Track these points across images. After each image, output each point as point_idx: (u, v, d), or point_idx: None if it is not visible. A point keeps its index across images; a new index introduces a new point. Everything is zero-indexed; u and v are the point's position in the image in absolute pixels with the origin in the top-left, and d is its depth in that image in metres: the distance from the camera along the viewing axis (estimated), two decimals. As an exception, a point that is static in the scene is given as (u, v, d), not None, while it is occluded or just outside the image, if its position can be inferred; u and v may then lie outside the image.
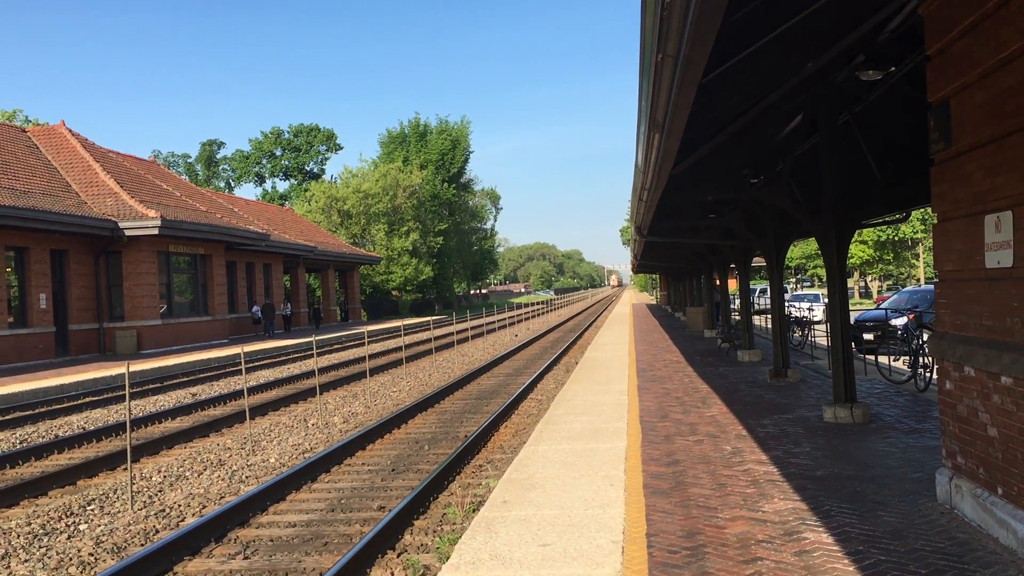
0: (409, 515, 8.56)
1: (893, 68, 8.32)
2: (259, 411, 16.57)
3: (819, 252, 12.28)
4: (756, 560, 5.54)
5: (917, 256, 70.21)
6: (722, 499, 7.06)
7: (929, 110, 6.58)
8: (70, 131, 36.69)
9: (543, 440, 10.03)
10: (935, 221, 6.67)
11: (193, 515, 9.20)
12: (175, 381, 23.05)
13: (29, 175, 31.11)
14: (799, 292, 54.77)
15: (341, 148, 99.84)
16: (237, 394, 19.20)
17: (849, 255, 60.13)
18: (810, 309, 27.41)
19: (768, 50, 6.82)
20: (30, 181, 30.49)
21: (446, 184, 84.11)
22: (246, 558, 7.65)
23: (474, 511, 8.64)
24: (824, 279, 11.55)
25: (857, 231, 53.45)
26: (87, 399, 19.66)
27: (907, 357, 14.50)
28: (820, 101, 9.98)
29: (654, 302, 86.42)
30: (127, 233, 31.23)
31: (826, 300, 11.44)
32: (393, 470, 11.06)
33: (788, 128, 11.14)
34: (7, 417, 16.94)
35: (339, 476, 10.85)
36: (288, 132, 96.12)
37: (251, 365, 27.74)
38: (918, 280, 70.39)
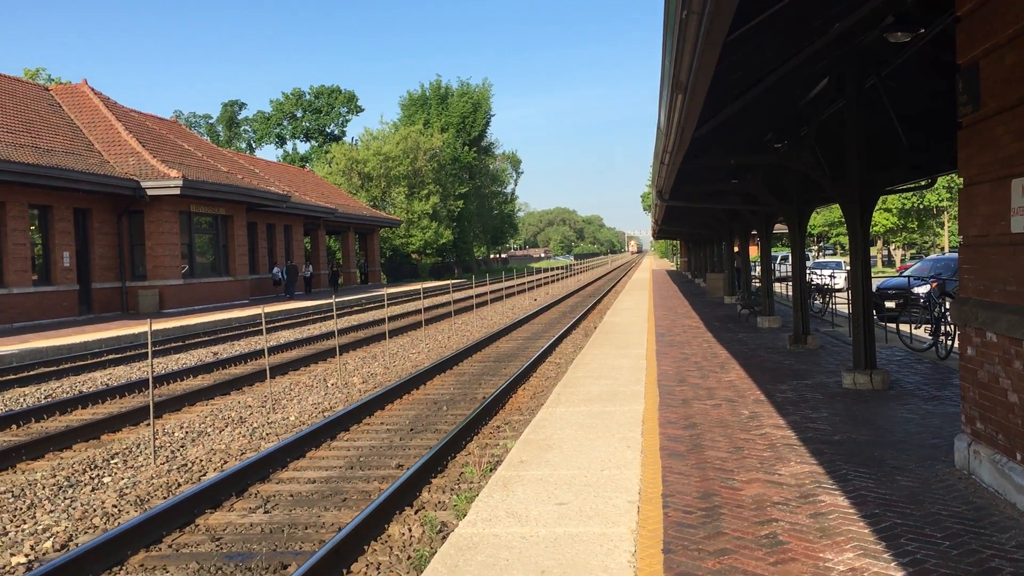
0: (427, 473, 8.64)
1: (922, 30, 8.17)
2: (279, 370, 16.71)
3: (842, 219, 12.17)
4: (771, 521, 5.56)
5: (942, 224, 69.43)
6: (738, 462, 7.07)
7: (958, 72, 6.47)
8: (92, 90, 36.76)
9: (561, 402, 10.06)
10: (961, 186, 6.58)
11: (214, 470, 9.33)
12: (197, 340, 23.27)
13: (52, 133, 31.25)
14: (821, 260, 54.40)
15: (362, 110, 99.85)
16: (258, 353, 19.37)
17: (873, 223, 59.54)
18: (832, 276, 27.24)
19: (794, 9, 6.71)
20: (53, 140, 30.63)
21: (467, 147, 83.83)
22: (266, 512, 7.76)
23: (491, 470, 8.71)
24: (847, 247, 11.47)
25: (881, 198, 52.86)
26: (110, 356, 19.90)
27: (929, 325, 14.41)
28: (846, 64, 9.82)
29: (674, 268, 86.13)
30: (149, 193, 31.38)
31: (848, 267, 11.35)
32: (411, 430, 11.15)
33: (813, 92, 10.98)
34: (32, 372, 17.19)
35: (358, 435, 10.96)
36: (309, 94, 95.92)
37: (272, 325, 27.95)
38: (942, 249, 69.68)
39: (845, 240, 70.10)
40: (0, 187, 26.48)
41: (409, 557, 6.48)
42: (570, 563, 4.87)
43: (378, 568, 6.31)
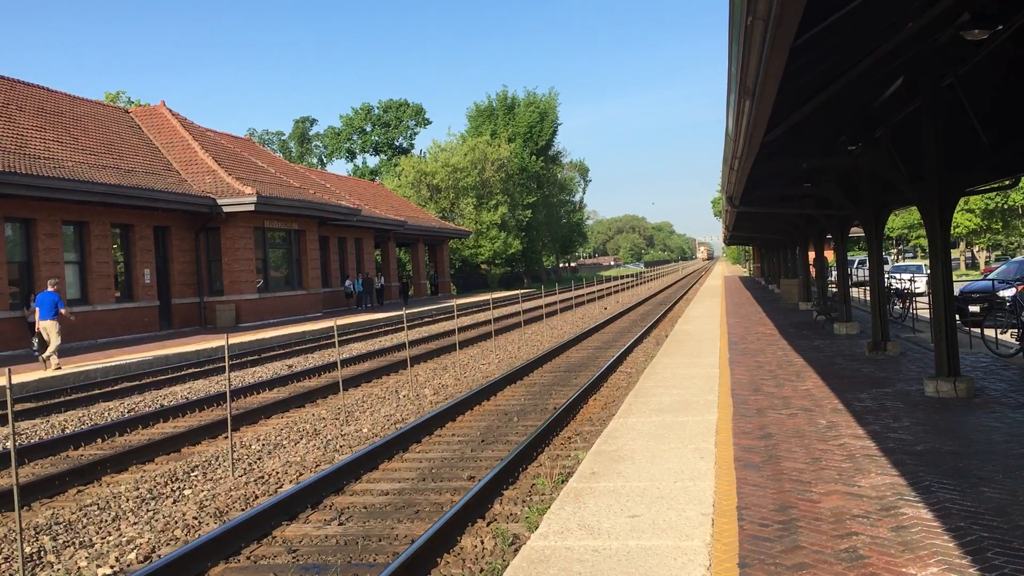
0: (498, 485, 8.64)
1: (1000, 27, 7.91)
2: (352, 382, 16.94)
3: (922, 221, 11.84)
4: (851, 535, 5.41)
5: (1027, 224, 66.98)
6: (816, 473, 6.91)
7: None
8: (170, 111, 37.92)
9: (632, 412, 9.98)
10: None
11: (290, 482, 9.48)
12: (272, 353, 23.74)
13: (132, 154, 32.31)
14: (900, 263, 53.01)
15: (430, 123, 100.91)
16: (331, 366, 19.66)
17: (954, 224, 57.77)
18: (912, 280, 26.48)
19: (864, 10, 6.56)
20: (134, 160, 31.67)
21: (534, 157, 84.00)
22: (341, 524, 7.85)
23: (563, 482, 8.67)
24: (927, 250, 11.14)
25: (962, 199, 51.28)
26: (189, 370, 20.42)
27: (1015, 330, 13.90)
28: (921, 63, 9.56)
29: (747, 274, 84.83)
30: (225, 209, 32.21)
31: (929, 271, 11.02)
32: (482, 441, 11.18)
33: (887, 92, 10.72)
34: (116, 387, 17.74)
35: (430, 446, 11.03)
36: (378, 108, 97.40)
37: (344, 338, 28.35)
38: (1028, 250, 67.23)
39: (925, 242, 68.15)
40: (84, 207, 27.46)
41: (482, 570, 6.49)
42: (643, 577, 4.81)
43: (451, 581, 6.32)
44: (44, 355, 19.60)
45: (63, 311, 19.86)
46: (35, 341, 21.27)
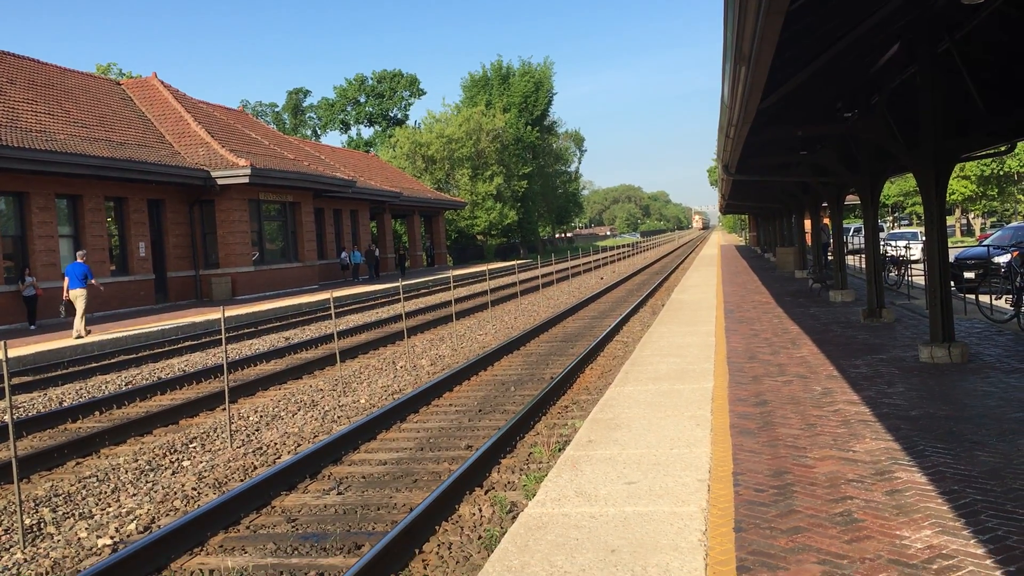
0: (496, 454, 8.69)
1: (998, -11, 7.85)
2: (349, 354, 16.96)
3: (918, 189, 11.82)
4: (845, 499, 5.45)
5: None
6: (811, 439, 6.95)
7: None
8: (162, 83, 37.63)
9: (629, 381, 10.01)
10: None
11: (288, 453, 9.52)
12: (269, 326, 23.76)
13: (125, 127, 32.09)
14: (896, 230, 53.01)
15: (424, 93, 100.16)
16: (328, 338, 19.68)
17: (950, 191, 57.71)
18: (907, 247, 26.50)
19: (862, -27, 6.51)
20: (126, 133, 31.46)
21: (529, 127, 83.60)
22: (339, 494, 7.90)
23: (560, 450, 8.72)
24: (922, 217, 11.10)
25: (959, 165, 51.12)
26: (186, 343, 20.44)
27: (1010, 295, 13.94)
28: (917, 28, 9.50)
29: (743, 243, 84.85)
30: (219, 182, 32.06)
31: (924, 238, 11.04)
32: (480, 411, 11.22)
33: (884, 58, 10.66)
34: (113, 360, 17.76)
35: (427, 416, 11.07)
36: (372, 79, 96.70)
37: (340, 310, 28.36)
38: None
39: (921, 210, 68.09)
40: (77, 181, 27.33)
41: (480, 537, 6.54)
42: (640, 542, 4.85)
43: (449, 548, 6.37)
44: (77, 322, 20.58)
45: (92, 282, 20.94)
46: (62, 310, 22.40)
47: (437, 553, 6.31)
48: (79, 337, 20.15)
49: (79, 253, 21.92)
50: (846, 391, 8.82)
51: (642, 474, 6.17)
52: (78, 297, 20.54)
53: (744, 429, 7.41)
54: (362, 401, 12.33)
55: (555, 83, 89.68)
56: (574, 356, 15.15)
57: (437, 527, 6.80)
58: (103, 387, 14.81)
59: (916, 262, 24.03)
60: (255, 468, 8.95)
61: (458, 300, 29.34)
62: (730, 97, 9.19)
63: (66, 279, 20.93)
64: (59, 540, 7.03)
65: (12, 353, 18.66)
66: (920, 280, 20.45)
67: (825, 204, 23.73)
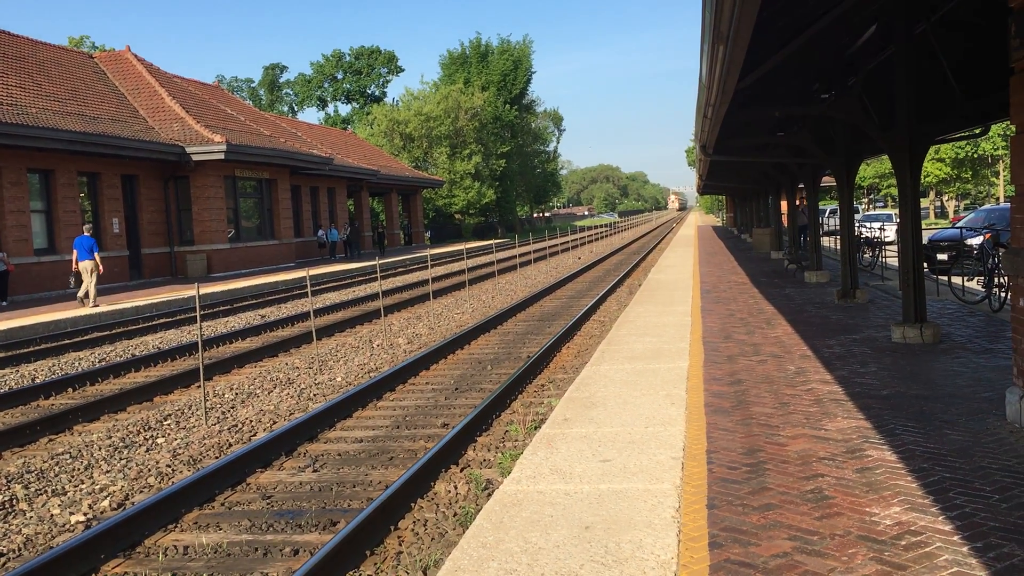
0: (472, 432, 8.71)
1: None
2: (326, 332, 16.91)
3: (892, 171, 11.90)
4: (817, 476, 5.52)
5: (997, 174, 67.57)
6: (784, 418, 7.02)
7: (1010, 15, 6.24)
8: (136, 56, 37.10)
9: (605, 360, 10.06)
10: (1013, 133, 6.38)
11: (264, 430, 9.50)
12: (245, 303, 23.62)
13: (98, 101, 31.65)
14: (871, 212, 53.39)
15: (402, 71, 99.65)
16: (304, 316, 19.61)
17: (924, 173, 58.13)
18: (881, 229, 26.71)
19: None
20: (99, 107, 31.03)
21: (508, 106, 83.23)
22: (315, 471, 7.90)
23: (536, 428, 8.75)
24: (897, 199, 11.13)
25: (934, 148, 51.54)
26: (161, 320, 20.29)
27: (981, 277, 14.11)
28: (895, 9, 9.53)
29: (720, 224, 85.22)
30: (194, 158, 31.73)
31: (898, 219, 11.13)
32: (456, 389, 11.24)
33: (861, 40, 10.69)
34: (87, 337, 17.60)
35: (404, 395, 11.07)
36: (349, 55, 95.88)
37: (317, 288, 28.25)
38: (997, 199, 67.91)
39: (895, 192, 68.64)
40: (49, 155, 26.94)
41: (455, 514, 6.56)
42: (614, 519, 4.89)
43: (425, 524, 6.40)
44: (80, 294, 21.79)
45: (97, 256, 21.73)
46: (71, 280, 23.11)
47: (412, 530, 6.33)
48: (95, 306, 21.22)
49: (86, 227, 23.22)
50: (819, 370, 8.90)
51: (617, 452, 6.20)
52: (87, 269, 21.44)
53: (718, 408, 7.47)
54: (338, 379, 12.31)
55: (534, 62, 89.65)
56: (551, 335, 15.19)
57: (413, 504, 6.81)
58: (76, 364, 14.68)
59: (890, 244, 24.26)
60: (230, 445, 8.93)
61: (435, 279, 29.30)
62: (708, 77, 9.20)
63: (75, 252, 21.78)
64: (31, 517, 6.98)
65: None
66: (894, 261, 20.64)
67: (802, 185, 23.86)
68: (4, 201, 25.34)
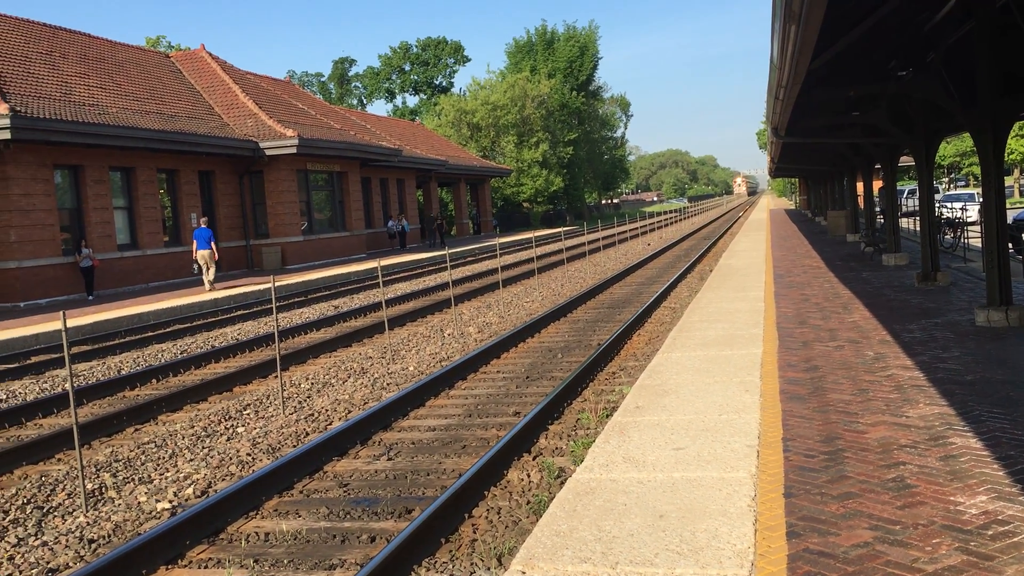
0: (543, 420, 8.73)
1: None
2: (397, 322, 17.11)
3: (975, 149, 11.52)
4: (898, 464, 5.39)
5: (1085, 150, 64.75)
6: (863, 404, 6.87)
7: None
8: (210, 55, 37.95)
9: (676, 347, 9.97)
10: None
11: (339, 419, 9.67)
12: (318, 294, 24.05)
13: (175, 99, 32.49)
14: (952, 192, 51.80)
15: (469, 60, 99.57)
16: (376, 306, 19.86)
17: (1008, 150, 56.09)
18: (963, 209, 25.90)
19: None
20: (176, 105, 31.85)
21: (575, 92, 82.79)
22: (390, 459, 8.01)
23: (607, 416, 8.73)
24: (979, 178, 10.78)
25: (1018, 124, 49.67)
26: (239, 312, 20.77)
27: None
28: (976, -19, 9.20)
29: (793, 207, 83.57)
30: (267, 152, 32.37)
31: (981, 199, 10.76)
32: (527, 377, 11.26)
33: (939, 14, 10.34)
34: (169, 329, 18.13)
35: (475, 383, 11.14)
36: (416, 46, 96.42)
37: (388, 278, 28.59)
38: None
39: (977, 170, 66.34)
40: (130, 153, 27.78)
41: (528, 502, 6.59)
42: (688, 508, 4.85)
43: (499, 512, 6.44)
44: (207, 279, 24.64)
45: (214, 244, 24.60)
46: (195, 267, 26.23)
47: (486, 518, 6.37)
48: (212, 289, 24.33)
49: (203, 220, 26.26)
50: (899, 356, 8.68)
51: (690, 440, 6.15)
52: (207, 257, 24.35)
53: (794, 395, 7.34)
54: (411, 368, 12.44)
55: (600, 47, 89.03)
56: (621, 322, 15.11)
57: (486, 492, 6.86)
58: (159, 355, 15.14)
59: (972, 224, 23.48)
60: (307, 434, 9.11)
61: (504, 268, 29.38)
62: (779, 57, 9.01)
63: (194, 242, 24.62)
64: (120, 504, 7.24)
65: (71, 323, 19.20)
66: (976, 243, 19.98)
67: (878, 166, 23.24)
68: (88, 199, 26.24)
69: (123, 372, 13.65)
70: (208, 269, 24.55)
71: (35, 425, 10.49)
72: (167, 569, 5.87)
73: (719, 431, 6.33)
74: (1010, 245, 14.42)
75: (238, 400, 10.94)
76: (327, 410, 10.12)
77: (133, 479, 7.91)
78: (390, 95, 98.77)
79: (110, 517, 6.92)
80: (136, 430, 9.94)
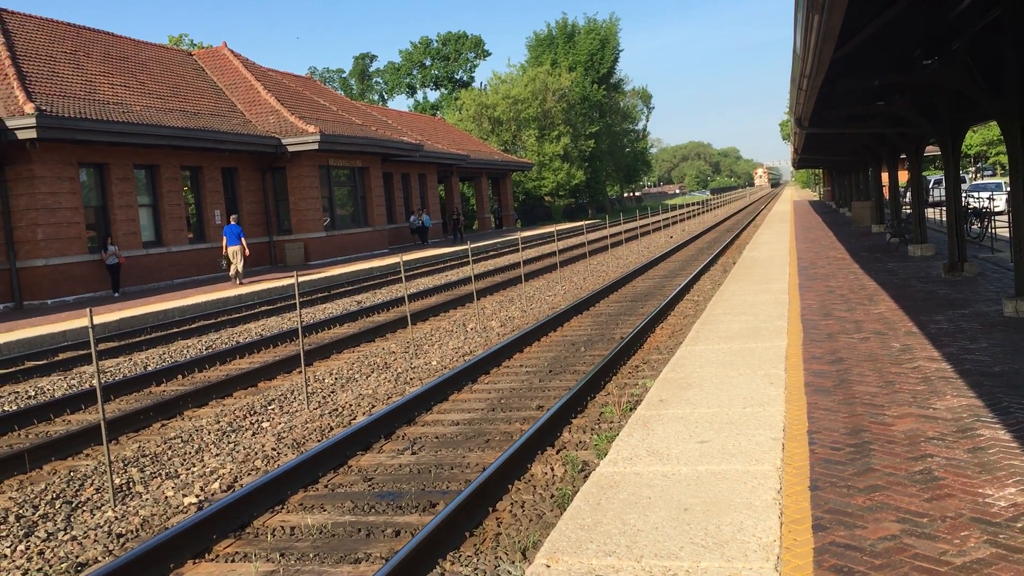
0: (567, 414, 8.72)
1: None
2: (420, 316, 17.15)
3: (1001, 138, 11.37)
4: (925, 457, 5.34)
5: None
6: (889, 396, 6.81)
7: None
8: (232, 52, 38.16)
9: (700, 340, 9.92)
10: None
11: (363, 414, 9.71)
12: (341, 290, 24.14)
13: (198, 97, 32.70)
14: (978, 181, 51.19)
15: (489, 54, 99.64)
16: (399, 301, 19.92)
17: (1035, 139, 55.27)
18: (990, 199, 25.56)
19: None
20: (199, 103, 32.06)
21: (596, 85, 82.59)
22: (414, 453, 8.04)
23: (631, 410, 8.71)
24: (1007, 167, 10.63)
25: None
26: (262, 308, 20.91)
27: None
28: (1003, -33, 9.07)
29: (817, 198, 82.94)
30: (290, 149, 32.53)
31: (1008, 189, 10.63)
32: (550, 371, 11.26)
33: (965, 2, 10.21)
34: (194, 326, 18.28)
35: (498, 377, 11.15)
36: (436, 41, 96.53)
37: (410, 273, 28.66)
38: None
39: (1005, 159, 65.52)
40: (154, 151, 28.01)
41: (552, 496, 6.59)
42: (713, 501, 4.83)
43: (522, 506, 6.44)
44: (231, 274, 26.13)
45: (243, 240, 26.00)
46: (223, 263, 27.69)
47: (510, 511, 6.38)
48: (240, 283, 25.53)
49: (232, 216, 27.23)
50: (926, 347, 8.60)
51: (715, 433, 6.12)
52: (235, 253, 25.75)
53: (819, 387, 7.29)
54: (433, 363, 12.47)
55: (621, 39, 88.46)
56: (644, 316, 15.07)
57: (510, 486, 6.87)
58: (185, 351, 15.26)
59: (1000, 214, 23.19)
60: (331, 429, 9.15)
61: (526, 262, 29.38)
62: (803, 47, 8.93)
63: (224, 238, 26.03)
64: (147, 499, 7.31)
65: (97, 320, 19.39)
66: (1004, 232, 19.73)
67: (903, 156, 23.01)
68: (113, 196, 26.48)
69: (149, 368, 13.78)
70: (239, 264, 25.79)
71: (63, 421, 10.61)
72: (194, 563, 5.92)
73: (744, 424, 6.29)
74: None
75: (263, 395, 11.01)
76: (351, 405, 10.16)
77: (160, 474, 7.99)
78: (411, 90, 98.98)
79: (138, 512, 6.99)
80: (163, 425, 10.03)
